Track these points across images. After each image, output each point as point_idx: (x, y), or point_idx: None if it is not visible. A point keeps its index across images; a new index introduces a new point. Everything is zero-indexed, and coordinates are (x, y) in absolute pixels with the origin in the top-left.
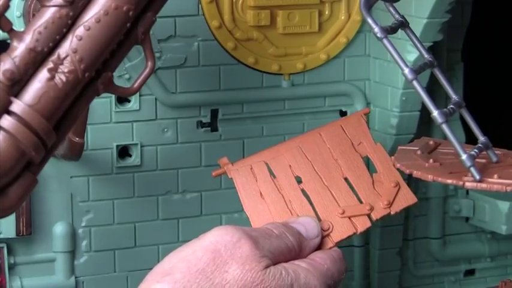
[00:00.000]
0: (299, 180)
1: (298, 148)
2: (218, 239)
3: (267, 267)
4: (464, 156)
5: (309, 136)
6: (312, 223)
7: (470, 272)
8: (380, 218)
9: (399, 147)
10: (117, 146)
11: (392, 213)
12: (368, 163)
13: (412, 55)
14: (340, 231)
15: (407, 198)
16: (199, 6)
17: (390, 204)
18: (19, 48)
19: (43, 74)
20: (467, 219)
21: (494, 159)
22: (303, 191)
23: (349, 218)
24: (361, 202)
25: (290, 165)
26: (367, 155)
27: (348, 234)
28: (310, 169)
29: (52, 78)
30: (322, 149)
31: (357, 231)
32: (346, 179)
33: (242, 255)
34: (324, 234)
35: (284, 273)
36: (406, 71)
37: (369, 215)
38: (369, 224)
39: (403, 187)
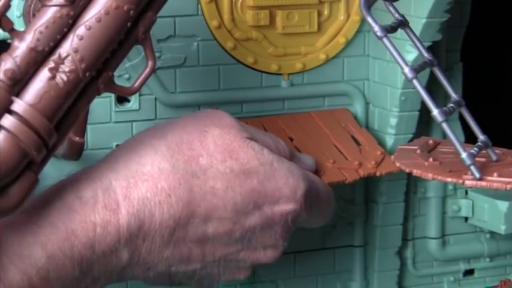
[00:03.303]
0: (291, 140)
1: (292, 119)
2: (203, 111)
3: (248, 138)
4: (464, 155)
5: (301, 115)
6: (307, 155)
7: (469, 272)
8: (366, 175)
9: (399, 147)
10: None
11: (378, 174)
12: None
13: (411, 55)
14: (331, 175)
15: (391, 165)
16: (199, 6)
17: (377, 165)
18: (20, 48)
19: (44, 74)
20: (466, 219)
21: (494, 157)
22: (295, 148)
23: (339, 168)
24: None
25: (283, 129)
26: (353, 134)
27: (338, 179)
28: (303, 133)
29: (53, 77)
30: (313, 123)
31: (346, 179)
32: (335, 146)
33: (221, 123)
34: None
35: (266, 152)
36: (406, 69)
37: (357, 170)
38: (357, 177)
39: (387, 156)
